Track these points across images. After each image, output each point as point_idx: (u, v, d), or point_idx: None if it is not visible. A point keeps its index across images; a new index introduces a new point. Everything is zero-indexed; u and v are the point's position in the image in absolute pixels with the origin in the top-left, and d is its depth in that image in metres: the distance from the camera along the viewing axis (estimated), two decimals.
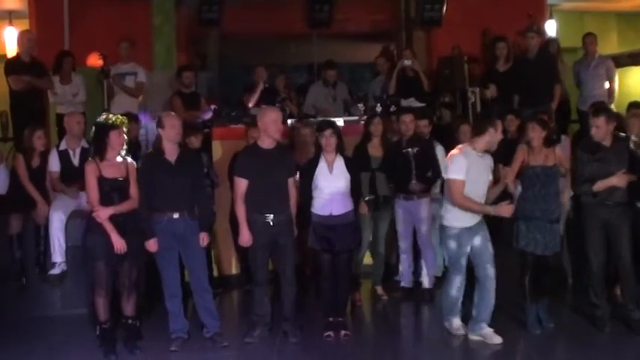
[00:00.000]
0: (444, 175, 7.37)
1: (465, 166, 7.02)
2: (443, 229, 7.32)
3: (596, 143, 7.39)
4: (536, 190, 7.38)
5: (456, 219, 7.19)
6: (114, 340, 7.14)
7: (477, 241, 7.23)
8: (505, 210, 7.06)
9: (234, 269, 9.66)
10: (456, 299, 7.43)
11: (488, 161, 7.30)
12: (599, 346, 7.23)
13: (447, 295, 7.48)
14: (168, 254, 7.17)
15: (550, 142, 7.46)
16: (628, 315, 7.42)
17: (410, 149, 8.59)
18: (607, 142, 7.38)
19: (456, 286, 7.37)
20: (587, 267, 7.60)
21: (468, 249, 7.24)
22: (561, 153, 7.67)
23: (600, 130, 7.38)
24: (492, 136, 7.12)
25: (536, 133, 7.48)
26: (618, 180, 7.22)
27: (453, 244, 7.23)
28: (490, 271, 7.26)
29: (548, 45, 11.21)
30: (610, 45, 15.27)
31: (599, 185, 7.27)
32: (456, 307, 7.47)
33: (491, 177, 7.33)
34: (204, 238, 7.24)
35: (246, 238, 7.27)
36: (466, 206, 7.09)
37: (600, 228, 7.41)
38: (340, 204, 7.53)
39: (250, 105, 10.34)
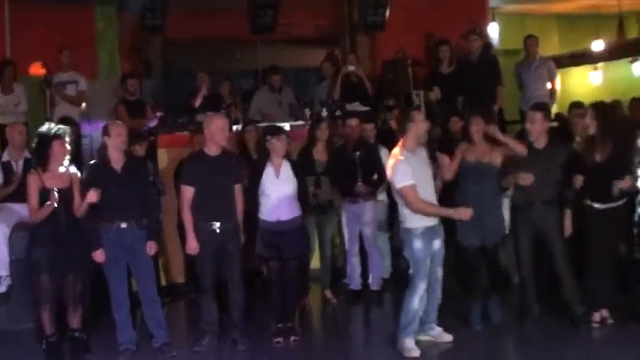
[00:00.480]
0: (395, 186, 6.97)
1: (410, 170, 6.81)
2: (406, 232, 7.01)
3: (529, 145, 7.49)
4: (469, 185, 7.52)
5: (419, 219, 6.94)
6: (61, 354, 7.07)
7: (437, 244, 7.09)
8: (464, 213, 6.93)
9: (182, 278, 9.59)
10: (416, 312, 7.07)
11: (423, 154, 7.16)
12: (540, 344, 7.31)
13: (409, 306, 7.07)
14: (116, 265, 7.10)
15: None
16: (573, 312, 7.52)
17: (356, 153, 8.64)
18: (540, 144, 7.49)
19: (419, 294, 7.01)
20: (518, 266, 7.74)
21: (433, 249, 7.06)
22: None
23: (535, 125, 7.46)
24: (416, 129, 6.97)
25: (477, 126, 7.56)
26: (523, 178, 7.32)
27: (418, 244, 6.93)
28: (439, 273, 7.22)
29: (490, 47, 11.34)
30: (551, 46, 15.52)
31: (507, 180, 7.48)
32: (414, 323, 7.12)
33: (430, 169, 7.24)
34: (151, 247, 7.19)
35: (193, 245, 7.23)
36: (426, 211, 6.89)
37: (529, 228, 7.52)
38: (288, 209, 7.54)
39: (196, 105, 10.30)
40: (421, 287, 6.99)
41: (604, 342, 7.40)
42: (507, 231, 7.89)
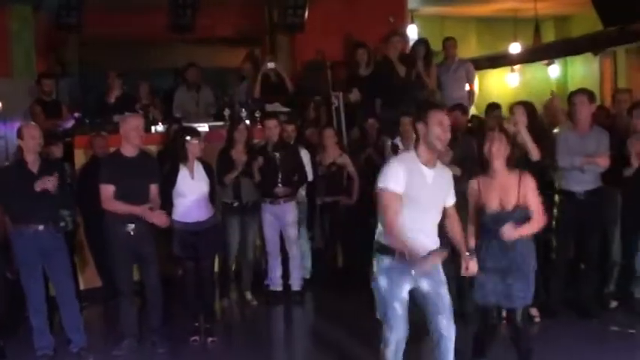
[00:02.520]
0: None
1: (402, 176, 5.08)
2: (374, 255, 5.34)
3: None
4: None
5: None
6: None
7: (424, 286, 5.27)
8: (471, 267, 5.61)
9: (100, 281, 9.46)
10: None
11: (445, 175, 5.37)
12: None
13: None
14: (32, 268, 6.98)
15: None
16: None
17: (276, 154, 8.66)
18: None
19: (391, 349, 5.28)
20: None
21: (406, 293, 5.27)
22: None
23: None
24: (430, 133, 5.18)
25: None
26: None
27: (382, 281, 5.25)
28: (446, 327, 5.30)
29: (416, 48, 11.35)
30: (470, 49, 15.81)
31: None
32: None
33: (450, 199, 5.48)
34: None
35: (163, 217, 7.11)
36: (394, 238, 5.08)
37: None
38: (204, 209, 7.54)
39: (112, 100, 10.18)
40: (391, 341, 5.26)
41: None
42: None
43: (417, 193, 5.07)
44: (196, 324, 7.58)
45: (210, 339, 7.51)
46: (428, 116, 5.13)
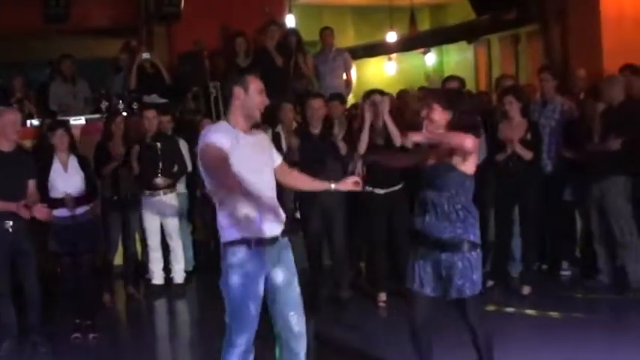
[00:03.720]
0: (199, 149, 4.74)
1: (224, 138, 4.64)
2: (223, 247, 4.75)
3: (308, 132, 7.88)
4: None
5: (235, 232, 4.68)
6: None
7: (280, 274, 4.80)
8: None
9: None
10: None
11: (263, 139, 5.06)
12: None
13: None
14: None
15: None
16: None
17: (157, 144, 8.61)
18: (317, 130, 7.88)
19: (238, 351, 4.70)
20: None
21: (261, 289, 4.76)
22: None
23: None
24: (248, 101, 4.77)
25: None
26: None
27: (235, 278, 4.65)
28: (297, 323, 4.85)
29: (287, 37, 11.44)
30: (347, 39, 15.94)
31: None
32: None
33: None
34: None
35: (44, 210, 6.82)
36: (230, 186, 4.51)
37: (320, 213, 7.81)
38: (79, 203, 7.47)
39: None
40: (240, 343, 4.69)
41: None
42: None
43: (241, 154, 4.61)
44: (77, 321, 7.47)
45: (91, 335, 7.40)
46: (248, 82, 4.71)
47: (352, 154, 7.70)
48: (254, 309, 4.67)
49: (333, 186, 5.17)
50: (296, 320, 4.82)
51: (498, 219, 8.20)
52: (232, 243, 4.65)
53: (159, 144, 8.63)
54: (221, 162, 4.49)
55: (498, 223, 8.21)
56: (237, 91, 4.70)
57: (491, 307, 7.64)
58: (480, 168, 7.78)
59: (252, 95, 4.70)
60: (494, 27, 13.70)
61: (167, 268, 9.02)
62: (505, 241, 8.18)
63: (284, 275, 4.80)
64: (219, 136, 4.59)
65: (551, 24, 11.36)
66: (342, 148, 7.74)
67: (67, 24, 12.45)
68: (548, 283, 8.41)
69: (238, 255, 4.63)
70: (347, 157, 7.70)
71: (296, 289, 4.86)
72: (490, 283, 8.17)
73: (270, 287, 4.77)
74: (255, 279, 4.68)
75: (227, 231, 4.67)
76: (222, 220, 4.69)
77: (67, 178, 7.43)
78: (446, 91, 5.86)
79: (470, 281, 4.89)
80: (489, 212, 8.31)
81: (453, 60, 17.37)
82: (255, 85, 4.72)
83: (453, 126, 4.86)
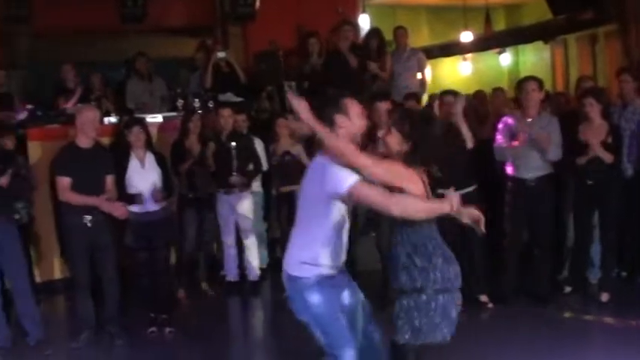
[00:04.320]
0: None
1: None
2: (292, 283, 4.60)
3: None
4: None
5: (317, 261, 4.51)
6: None
7: (347, 294, 4.68)
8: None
9: (57, 273, 9.40)
10: None
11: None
12: None
13: None
14: None
15: None
16: None
17: (231, 143, 8.67)
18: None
19: None
20: None
21: (345, 299, 4.66)
22: None
23: None
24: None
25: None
26: None
27: (315, 298, 4.49)
28: (374, 329, 4.74)
29: (369, 38, 11.38)
30: (421, 38, 15.87)
31: None
32: None
33: None
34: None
35: (122, 208, 7.08)
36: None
37: None
38: (155, 200, 7.56)
39: (68, 105, 10.06)
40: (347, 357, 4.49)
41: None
42: None
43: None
44: (153, 315, 7.58)
45: (167, 330, 7.52)
46: (347, 108, 4.46)
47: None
48: (345, 320, 4.53)
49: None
50: (372, 327, 4.72)
51: (578, 224, 8.05)
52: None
53: (233, 143, 8.67)
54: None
55: (578, 228, 8.06)
56: (340, 119, 4.43)
57: (568, 315, 7.56)
58: (559, 171, 7.83)
59: (354, 121, 4.47)
60: (571, 27, 13.52)
61: (242, 266, 9.07)
62: (584, 247, 8.02)
63: (351, 292, 4.69)
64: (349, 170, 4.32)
65: (630, 24, 11.15)
66: None
67: (144, 24, 12.64)
68: (628, 290, 8.21)
69: (313, 276, 4.47)
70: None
71: (365, 304, 4.75)
72: (568, 289, 8.06)
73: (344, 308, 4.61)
74: (335, 291, 4.56)
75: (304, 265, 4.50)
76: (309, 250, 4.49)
77: (144, 175, 7.53)
78: (412, 119, 4.64)
79: None
80: (568, 217, 8.19)
81: (529, 60, 17.17)
82: (354, 109, 4.47)
83: (406, 159, 4.47)
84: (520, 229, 7.97)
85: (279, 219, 9.51)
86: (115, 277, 7.34)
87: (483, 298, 7.75)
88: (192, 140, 8.67)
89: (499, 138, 7.76)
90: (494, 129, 7.99)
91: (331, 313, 4.49)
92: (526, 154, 7.63)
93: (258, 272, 9.03)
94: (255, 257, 8.99)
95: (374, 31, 11.48)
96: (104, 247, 7.22)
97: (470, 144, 7.40)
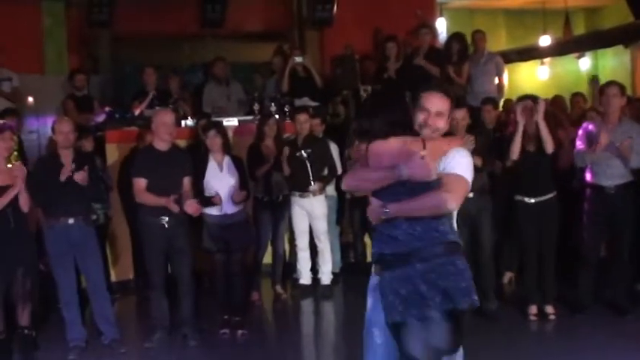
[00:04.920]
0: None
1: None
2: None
3: None
4: None
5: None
6: (10, 352, 6.98)
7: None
8: None
9: (132, 274, 9.55)
10: None
11: None
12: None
13: None
14: (64, 261, 7.06)
15: None
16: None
17: (305, 149, 8.68)
18: None
19: None
20: None
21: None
22: None
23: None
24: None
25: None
26: None
27: (368, 301, 4.33)
28: None
29: (450, 43, 11.28)
30: (499, 42, 15.71)
31: None
32: None
33: None
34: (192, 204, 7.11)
35: (195, 205, 7.12)
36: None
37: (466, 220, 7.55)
38: (232, 203, 7.59)
39: (137, 112, 10.19)
40: None
41: (538, 336, 7.50)
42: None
43: None
44: (226, 317, 7.63)
45: (240, 332, 7.54)
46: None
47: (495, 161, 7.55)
48: (379, 337, 4.21)
49: None
50: None
51: None
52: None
53: (309, 149, 8.67)
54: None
55: None
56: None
57: None
58: (638, 179, 7.64)
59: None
60: None
61: (314, 269, 9.09)
62: None
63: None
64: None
65: None
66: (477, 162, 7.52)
67: (223, 28, 12.78)
68: None
69: (373, 279, 4.28)
70: (484, 169, 7.49)
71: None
72: None
73: None
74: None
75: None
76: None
77: (221, 178, 7.57)
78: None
79: None
80: None
81: (609, 65, 16.85)
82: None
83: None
84: (598, 237, 7.80)
85: (352, 223, 9.50)
86: (190, 279, 7.41)
87: (549, 308, 7.61)
88: (268, 144, 8.70)
89: (579, 144, 7.61)
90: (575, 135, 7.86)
91: None
92: (606, 161, 7.47)
93: (330, 276, 9.03)
94: (328, 261, 8.99)
95: (457, 35, 11.36)
96: (181, 248, 7.28)
97: (550, 149, 7.27)
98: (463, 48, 11.00)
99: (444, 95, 4.21)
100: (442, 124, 4.20)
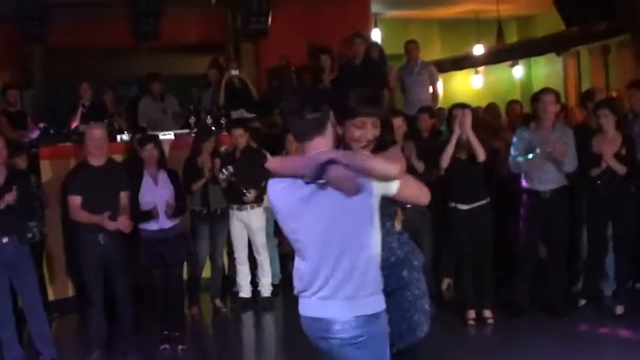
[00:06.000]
0: None
1: None
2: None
3: None
4: None
5: None
6: None
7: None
8: None
9: (70, 292, 9.41)
10: None
11: None
12: None
13: None
14: None
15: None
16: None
17: (237, 163, 8.64)
18: None
19: None
20: None
21: None
22: None
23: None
24: None
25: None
26: None
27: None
28: None
29: (370, 50, 11.40)
30: (434, 51, 15.90)
31: None
32: None
33: None
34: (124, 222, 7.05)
35: (126, 222, 7.05)
36: None
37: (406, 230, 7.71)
38: (167, 216, 7.56)
39: (74, 125, 10.10)
40: None
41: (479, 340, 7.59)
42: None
43: None
44: (166, 332, 7.57)
45: (180, 347, 7.49)
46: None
47: (432, 169, 7.63)
48: None
49: None
50: None
51: (591, 236, 8.00)
52: None
53: (230, 166, 8.62)
54: None
55: (591, 240, 8.00)
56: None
57: (583, 328, 7.51)
58: (572, 183, 7.78)
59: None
60: (584, 38, 13.47)
61: (254, 282, 9.06)
62: (598, 259, 7.95)
63: None
64: None
65: None
66: (419, 166, 7.69)
67: (157, 41, 12.71)
68: None
69: None
70: (424, 175, 7.54)
71: None
72: (582, 302, 7.99)
73: None
74: None
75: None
76: None
77: (156, 192, 7.53)
78: None
79: None
80: (582, 229, 8.15)
81: (542, 72, 17.16)
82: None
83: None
84: (534, 242, 7.94)
85: None
86: (128, 295, 7.34)
87: (487, 313, 7.70)
88: (204, 158, 8.65)
89: (513, 151, 7.73)
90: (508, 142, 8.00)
91: None
92: (541, 167, 7.59)
93: (270, 288, 9.01)
94: (267, 273, 8.97)
95: (375, 44, 11.51)
96: (117, 264, 7.21)
97: (481, 157, 7.38)
98: (381, 56, 11.20)
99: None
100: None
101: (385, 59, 11.30)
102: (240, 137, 8.79)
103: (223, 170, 8.53)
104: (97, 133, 7.28)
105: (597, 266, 7.99)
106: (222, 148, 9.09)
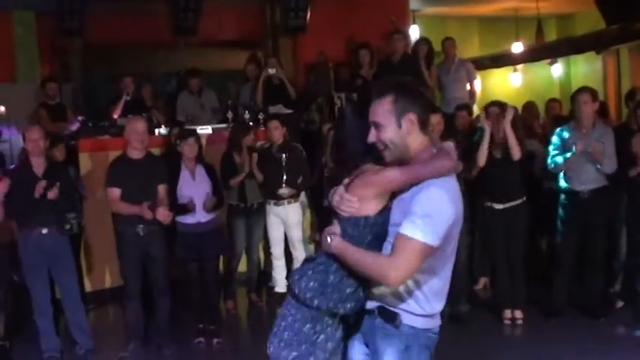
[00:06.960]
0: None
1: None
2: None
3: None
4: None
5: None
6: None
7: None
8: None
9: (107, 283, 9.49)
10: None
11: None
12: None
13: None
14: (37, 271, 7.02)
15: None
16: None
17: (282, 155, 8.66)
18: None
19: None
20: None
21: None
22: None
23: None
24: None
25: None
26: None
27: None
28: None
29: (418, 47, 11.31)
30: (472, 48, 15.80)
31: None
32: None
33: None
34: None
35: (166, 213, 7.09)
36: None
37: None
38: (205, 210, 7.58)
39: (115, 116, 10.18)
40: None
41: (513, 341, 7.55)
42: None
43: None
44: (201, 325, 7.61)
45: (215, 340, 7.54)
46: None
47: (470, 168, 7.56)
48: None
49: None
50: None
51: (630, 237, 7.92)
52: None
53: (284, 155, 8.65)
54: None
55: (630, 241, 7.92)
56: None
57: (620, 330, 7.46)
58: (611, 184, 7.70)
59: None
60: (625, 37, 13.29)
61: (290, 277, 9.04)
62: (637, 260, 7.85)
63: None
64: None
65: None
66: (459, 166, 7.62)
67: (195, 36, 12.75)
68: None
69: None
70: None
71: None
72: (620, 303, 7.92)
73: None
74: None
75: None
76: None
77: (194, 186, 7.56)
78: None
79: None
80: (621, 230, 8.06)
81: (581, 71, 16.97)
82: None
83: None
84: (572, 242, 7.84)
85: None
86: (166, 288, 7.38)
87: (518, 313, 7.67)
88: (242, 153, 8.67)
89: (552, 150, 7.67)
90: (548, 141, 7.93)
91: None
92: (580, 167, 7.52)
93: None
94: None
95: (423, 40, 11.40)
96: (156, 257, 7.25)
97: (516, 156, 7.32)
98: (430, 52, 11.04)
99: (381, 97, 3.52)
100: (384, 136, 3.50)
101: (433, 57, 11.18)
102: (275, 130, 8.76)
103: (283, 155, 8.53)
104: (140, 126, 7.31)
105: (636, 267, 7.88)
106: (258, 144, 9.10)
